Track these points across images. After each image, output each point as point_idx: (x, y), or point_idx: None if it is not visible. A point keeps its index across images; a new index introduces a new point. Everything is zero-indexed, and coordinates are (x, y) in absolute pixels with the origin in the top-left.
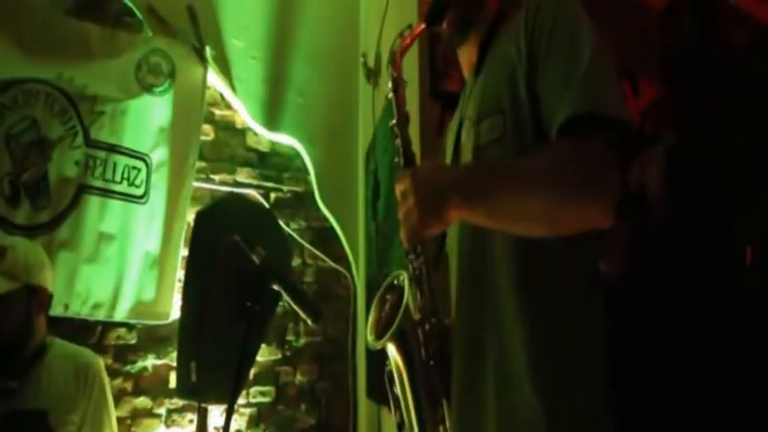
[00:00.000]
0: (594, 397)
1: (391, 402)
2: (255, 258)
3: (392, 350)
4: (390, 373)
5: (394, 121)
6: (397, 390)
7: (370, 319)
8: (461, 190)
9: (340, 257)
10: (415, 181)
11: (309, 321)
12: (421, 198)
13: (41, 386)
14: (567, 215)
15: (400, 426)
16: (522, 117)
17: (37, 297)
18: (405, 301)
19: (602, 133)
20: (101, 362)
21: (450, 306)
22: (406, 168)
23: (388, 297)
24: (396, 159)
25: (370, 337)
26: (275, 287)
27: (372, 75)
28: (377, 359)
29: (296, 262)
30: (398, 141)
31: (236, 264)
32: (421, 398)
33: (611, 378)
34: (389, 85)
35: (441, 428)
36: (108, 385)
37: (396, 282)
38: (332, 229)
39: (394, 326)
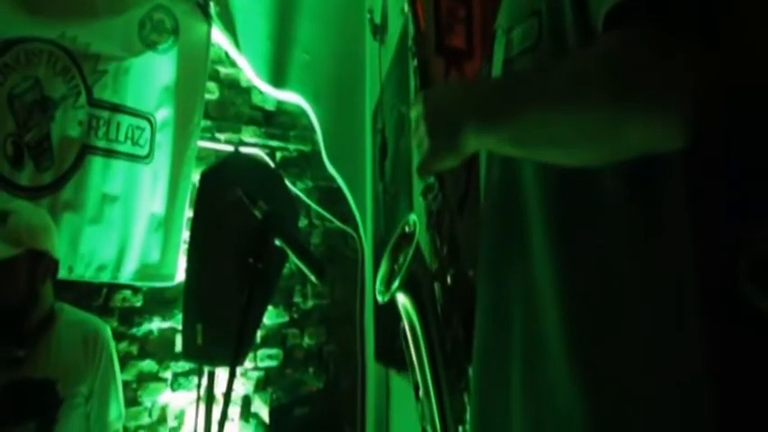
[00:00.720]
0: (653, 385)
1: (407, 363)
2: (257, 213)
3: (403, 304)
4: (403, 329)
5: (411, 42)
6: (411, 349)
7: (381, 270)
8: (479, 112)
9: (348, 218)
10: (428, 104)
11: (313, 278)
12: (433, 124)
13: (50, 355)
14: (618, 132)
15: (416, 388)
16: (563, 16)
17: (42, 263)
18: (414, 244)
19: (667, 17)
20: (108, 330)
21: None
22: (422, 90)
23: (402, 248)
24: (413, 83)
25: (379, 289)
26: (278, 243)
27: (379, 31)
28: (385, 322)
29: (303, 223)
30: (415, 61)
31: (239, 220)
32: (437, 360)
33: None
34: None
35: (464, 397)
36: (115, 354)
37: (408, 228)
38: (339, 189)
39: (401, 274)
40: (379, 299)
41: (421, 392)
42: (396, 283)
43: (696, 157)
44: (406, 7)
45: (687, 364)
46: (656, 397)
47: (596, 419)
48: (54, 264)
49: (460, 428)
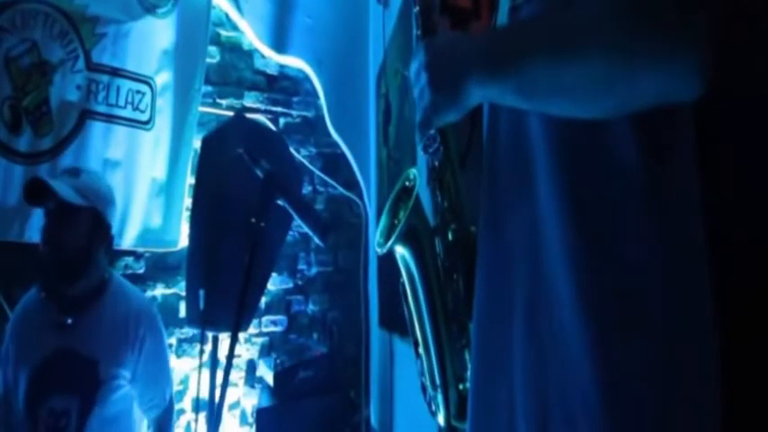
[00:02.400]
0: (662, 335)
1: (407, 318)
2: (259, 172)
3: (402, 256)
4: (403, 285)
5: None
6: (411, 305)
7: (381, 224)
8: (483, 61)
9: (351, 184)
10: (429, 54)
11: (317, 239)
12: (434, 75)
13: (94, 328)
14: (632, 77)
15: (416, 344)
16: None
17: (102, 228)
18: (413, 197)
19: None
20: (155, 311)
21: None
22: (424, 39)
23: (402, 202)
24: (415, 31)
25: (378, 241)
26: (280, 202)
27: None
28: (389, 288)
29: (306, 189)
30: (416, 8)
31: (241, 182)
32: (437, 315)
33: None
34: None
35: (465, 354)
36: (164, 336)
37: (408, 182)
38: (343, 155)
39: (400, 225)
40: (378, 251)
41: (420, 348)
42: (395, 235)
43: (709, 115)
44: None
45: (698, 315)
46: (666, 345)
47: (604, 366)
48: (111, 237)
49: (461, 386)
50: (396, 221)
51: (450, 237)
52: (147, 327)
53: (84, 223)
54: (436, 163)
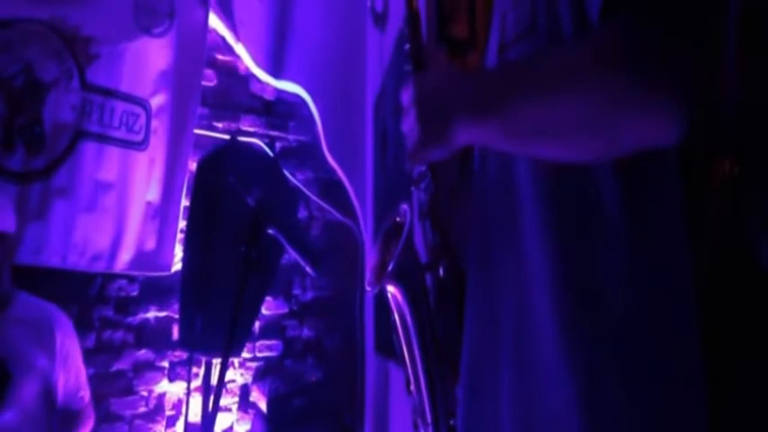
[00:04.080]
0: (648, 379)
1: (399, 356)
2: (250, 201)
3: (393, 295)
4: (394, 322)
5: (403, 23)
6: (402, 342)
7: (371, 261)
8: (469, 105)
9: (348, 210)
10: (418, 91)
11: (308, 268)
12: (423, 113)
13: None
14: (612, 124)
15: (408, 383)
16: (556, 1)
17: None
18: (405, 234)
19: (663, 5)
20: (63, 319)
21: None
22: (414, 75)
23: (393, 238)
24: (405, 67)
25: (369, 280)
26: (271, 232)
27: (380, 20)
28: (385, 314)
29: (302, 214)
30: (407, 45)
31: (234, 208)
32: (428, 354)
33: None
34: None
35: (456, 390)
36: (77, 341)
37: (399, 218)
38: (339, 180)
39: (390, 265)
40: (369, 289)
41: (412, 386)
42: (385, 274)
43: (689, 154)
44: None
45: (682, 359)
46: (651, 390)
47: (588, 412)
48: (12, 246)
49: (451, 422)
50: (386, 258)
51: (440, 272)
52: (64, 332)
53: None
54: (427, 198)
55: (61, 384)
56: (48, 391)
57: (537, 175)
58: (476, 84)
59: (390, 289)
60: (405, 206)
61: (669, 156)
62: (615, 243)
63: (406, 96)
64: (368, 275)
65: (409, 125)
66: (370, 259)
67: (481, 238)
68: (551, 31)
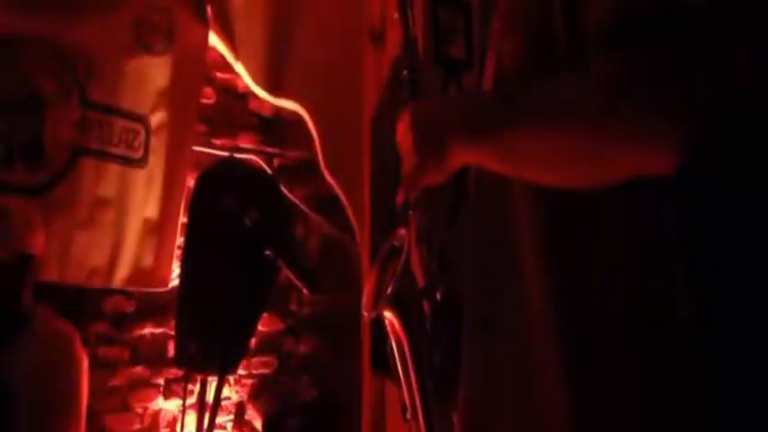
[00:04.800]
0: (647, 410)
1: (395, 383)
2: (247, 222)
3: (390, 322)
4: (391, 347)
5: (400, 50)
6: (399, 368)
7: (367, 287)
8: (466, 127)
9: (345, 226)
10: (415, 117)
11: (305, 291)
12: (419, 139)
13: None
14: (605, 155)
15: (404, 409)
16: (553, 28)
17: (28, 266)
18: (402, 259)
19: (661, 34)
20: (77, 343)
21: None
22: (410, 102)
23: (390, 262)
24: (402, 92)
25: (365, 306)
26: (268, 253)
27: (378, 38)
28: (382, 332)
29: (300, 231)
30: (404, 71)
31: (232, 228)
32: (425, 381)
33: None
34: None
35: (453, 418)
36: (84, 368)
37: (396, 242)
38: (337, 197)
39: (387, 291)
40: (366, 315)
41: (409, 413)
42: (382, 300)
43: (691, 178)
44: (396, 14)
45: (682, 390)
46: (650, 421)
47: None
48: (39, 265)
49: None
50: (383, 283)
51: (438, 298)
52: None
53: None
54: (423, 222)
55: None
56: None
57: (534, 199)
58: (472, 106)
59: (387, 315)
60: (402, 230)
61: (672, 181)
62: (615, 269)
63: (402, 124)
64: (365, 301)
65: (405, 151)
66: (368, 284)
67: (478, 265)
68: (547, 57)
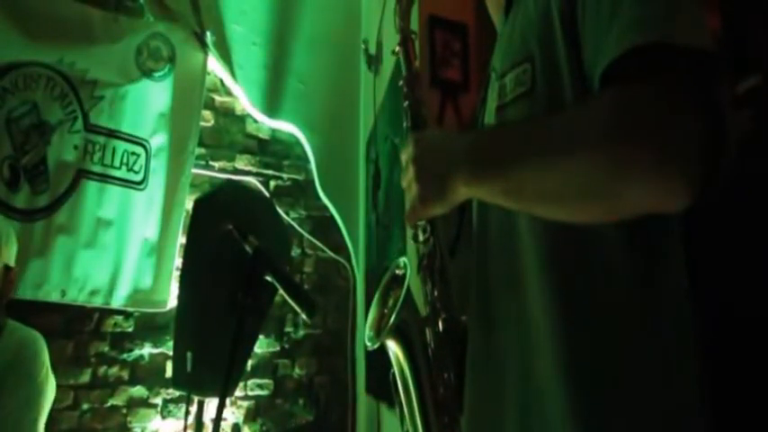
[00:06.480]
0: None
1: (397, 410)
2: (248, 248)
3: (394, 350)
4: (394, 376)
5: (402, 82)
6: (402, 397)
7: (371, 316)
8: (470, 162)
9: (340, 248)
10: (418, 149)
11: (304, 316)
12: (422, 171)
13: None
14: (615, 193)
15: None
16: (557, 62)
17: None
18: (404, 289)
19: (670, 72)
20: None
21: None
22: (412, 133)
23: (392, 291)
24: (404, 123)
25: (368, 335)
26: (269, 279)
27: (374, 61)
28: (377, 354)
29: (295, 252)
30: (406, 102)
31: (231, 253)
32: (428, 410)
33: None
34: (398, 38)
35: None
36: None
37: (398, 271)
38: (332, 218)
39: (391, 320)
40: (369, 345)
41: None
42: (385, 330)
43: (697, 213)
44: (398, 48)
45: (685, 424)
46: None
47: None
48: (14, 278)
49: None
50: (385, 311)
51: (440, 327)
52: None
53: None
54: (426, 251)
55: None
56: None
57: (539, 232)
58: (476, 140)
59: (390, 344)
60: (404, 259)
61: (680, 216)
62: (621, 302)
63: (405, 155)
64: (368, 331)
65: (408, 182)
66: (370, 314)
67: (482, 294)
68: (551, 92)
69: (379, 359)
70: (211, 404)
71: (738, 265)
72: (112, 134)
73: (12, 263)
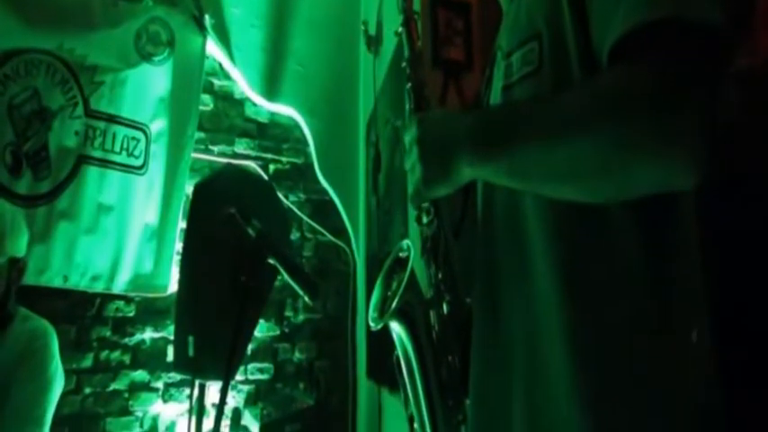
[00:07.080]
0: (661, 427)
1: (401, 392)
2: (251, 232)
3: (397, 332)
4: (398, 358)
5: (405, 63)
6: (406, 379)
7: (374, 297)
8: (474, 141)
9: (340, 231)
10: (421, 130)
11: (307, 298)
12: (425, 151)
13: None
14: (625, 170)
15: (411, 419)
16: (564, 41)
17: (14, 269)
18: (408, 271)
19: (679, 48)
20: (51, 336)
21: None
22: (415, 114)
23: (396, 274)
24: (407, 105)
25: (372, 317)
26: (271, 261)
27: (373, 43)
28: (377, 338)
29: (295, 236)
30: (409, 84)
31: (232, 237)
32: (432, 392)
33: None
34: (400, 19)
35: (461, 430)
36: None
37: (402, 253)
38: (332, 202)
39: (395, 302)
40: (372, 326)
41: (416, 425)
42: (389, 311)
43: (704, 192)
44: (400, 28)
45: (695, 402)
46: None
47: None
48: (24, 268)
49: None
50: (389, 294)
51: (444, 309)
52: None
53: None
54: (429, 233)
55: None
56: None
57: (546, 211)
58: (481, 119)
59: (394, 326)
60: (407, 241)
61: (690, 195)
62: (629, 284)
63: (408, 136)
64: (371, 313)
65: (411, 163)
66: (374, 296)
67: (487, 276)
68: (558, 71)
69: (379, 344)
70: (212, 388)
71: (750, 263)
72: (113, 119)
73: (20, 253)
